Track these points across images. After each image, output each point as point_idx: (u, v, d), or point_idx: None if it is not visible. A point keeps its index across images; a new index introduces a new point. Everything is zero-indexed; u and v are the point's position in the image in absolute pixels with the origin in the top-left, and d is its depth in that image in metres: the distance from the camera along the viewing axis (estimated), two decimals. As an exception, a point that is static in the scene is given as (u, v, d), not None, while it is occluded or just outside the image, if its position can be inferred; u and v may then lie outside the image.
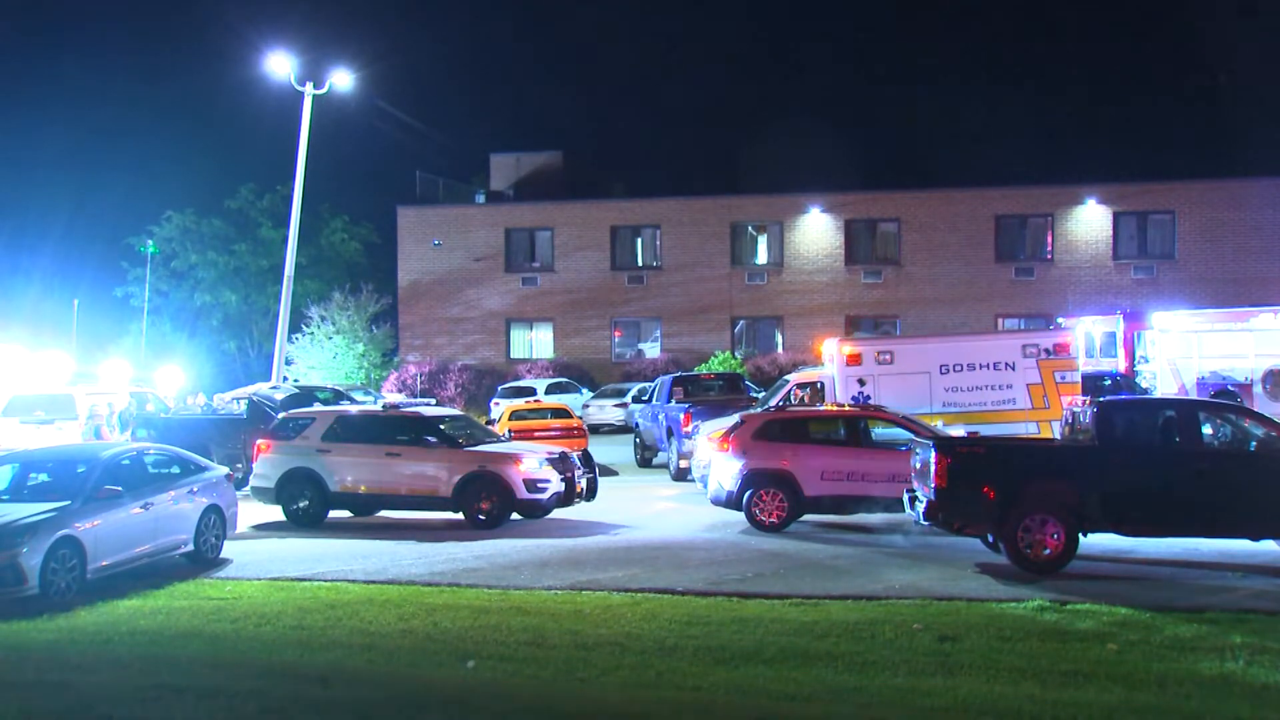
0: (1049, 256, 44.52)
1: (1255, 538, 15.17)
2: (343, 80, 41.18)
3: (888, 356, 22.67)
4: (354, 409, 23.73)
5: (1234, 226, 42.59)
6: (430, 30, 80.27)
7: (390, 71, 69.09)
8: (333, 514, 20.46)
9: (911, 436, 17.70)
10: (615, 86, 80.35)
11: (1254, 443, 15.10)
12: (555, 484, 19.51)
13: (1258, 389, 27.50)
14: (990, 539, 15.34)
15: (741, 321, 46.91)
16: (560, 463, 19.88)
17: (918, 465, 15.76)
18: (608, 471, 25.65)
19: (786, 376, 26.94)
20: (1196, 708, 8.88)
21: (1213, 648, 10.73)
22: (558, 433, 27.11)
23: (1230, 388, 27.59)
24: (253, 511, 20.53)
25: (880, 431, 18.81)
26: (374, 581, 15.01)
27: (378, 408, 23.04)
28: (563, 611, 12.92)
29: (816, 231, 46.08)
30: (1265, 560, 15.13)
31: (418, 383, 44.52)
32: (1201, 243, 42.99)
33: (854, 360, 22.50)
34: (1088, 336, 32.49)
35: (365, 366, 46.99)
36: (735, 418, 20.40)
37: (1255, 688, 9.44)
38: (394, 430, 20.61)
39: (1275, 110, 64.89)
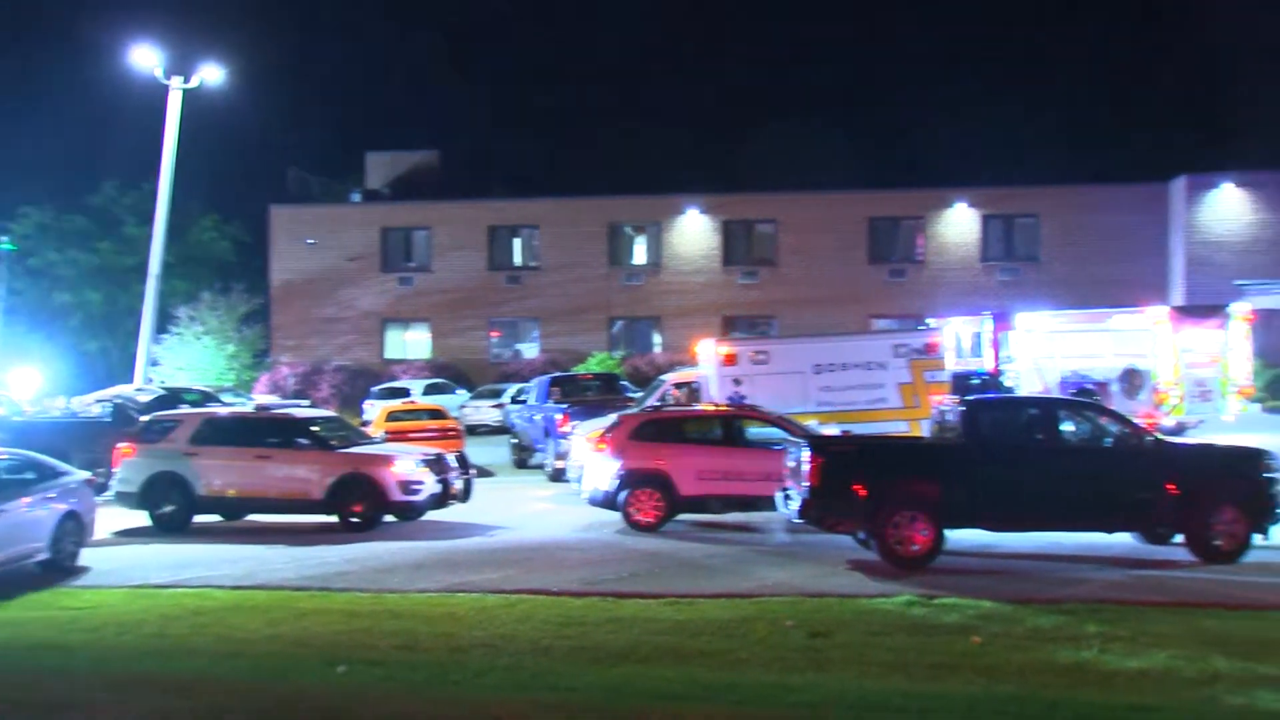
0: (920, 258, 45.53)
1: (1110, 530, 15.74)
2: (213, 75, 40.18)
3: (763, 357, 22.93)
4: (223, 411, 23.22)
5: (1095, 230, 44.05)
6: (304, 26, 78.89)
7: (263, 67, 67.69)
8: (201, 519, 19.95)
9: (786, 436, 17.93)
10: (494, 87, 79.93)
11: (1109, 439, 15.66)
12: (430, 485, 19.32)
13: (1114, 387, 28.39)
14: (861, 536, 15.59)
15: (619, 322, 47.03)
16: (435, 464, 19.69)
17: (791, 464, 15.96)
18: (485, 473, 25.48)
19: (663, 377, 27.08)
20: (1053, 696, 9.16)
21: (1069, 637, 11.09)
22: (434, 434, 26.86)
23: (1089, 386, 28.46)
24: (116, 517, 19.90)
25: (755, 431, 19.00)
26: (241, 587, 14.66)
27: (248, 409, 22.54)
28: (436, 614, 12.80)
29: (694, 232, 46.44)
30: (1119, 552, 15.68)
31: (291, 384, 43.67)
32: (1064, 245, 44.38)
33: (730, 360, 22.71)
34: (956, 336, 33.27)
35: (236, 368, 45.90)
36: (612, 418, 20.43)
37: (1107, 674, 9.79)
38: (265, 432, 20.20)
39: (1135, 117, 67.32)
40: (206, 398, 29.91)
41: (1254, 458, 15.39)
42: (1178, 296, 41.39)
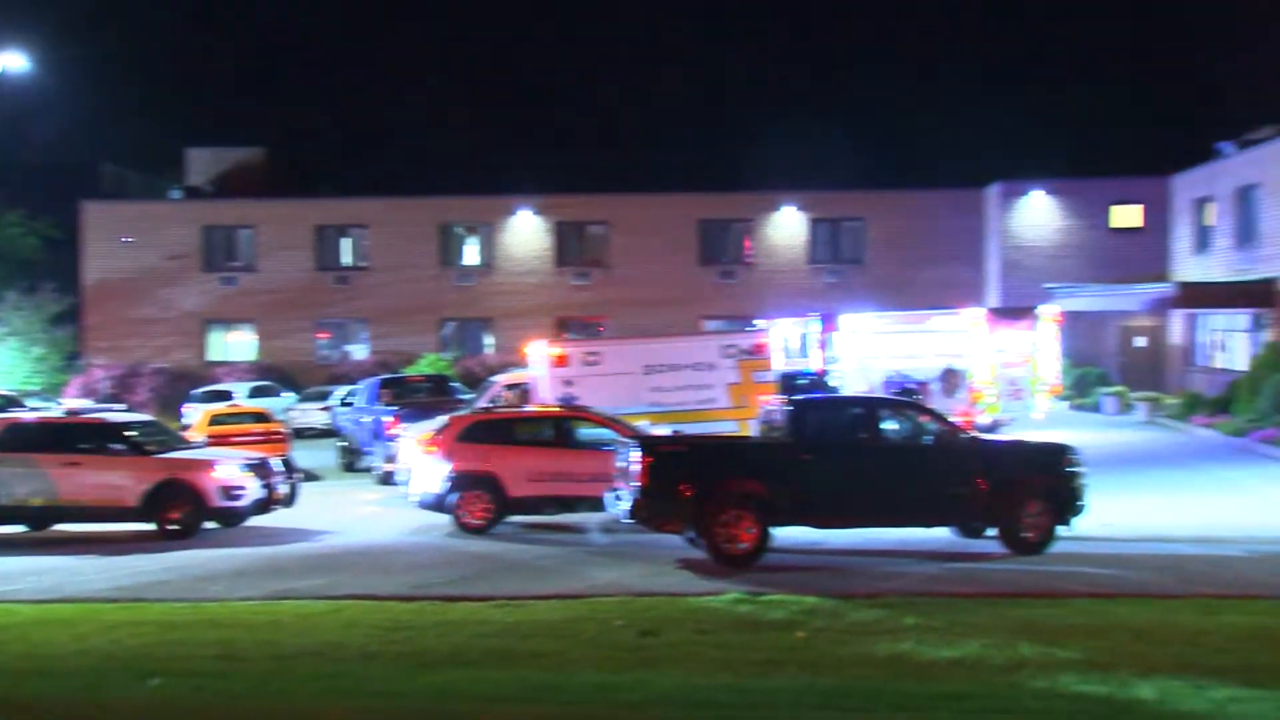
0: (750, 260, 46.35)
1: (928, 526, 16.29)
2: (16, 63, 38.24)
3: (594, 358, 22.99)
4: (29, 416, 22.15)
5: (918, 234, 45.54)
6: (118, 16, 75.73)
7: (76, 57, 64.62)
8: (5, 530, 18.97)
9: (616, 437, 18.01)
10: (323, 85, 78.17)
11: (927, 437, 16.20)
12: (253, 490, 18.79)
13: (934, 386, 29.42)
14: (690, 535, 15.77)
15: (451, 323, 46.57)
16: (259, 468, 19.18)
17: (622, 465, 16.05)
18: (311, 477, 24.91)
19: (494, 378, 26.94)
20: (873, 687, 9.42)
21: (889, 630, 11.42)
22: (258, 437, 26.13)
23: (911, 386, 29.41)
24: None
25: (587, 432, 19.04)
26: (47, 600, 13.99)
27: (58, 414, 21.54)
28: (259, 622, 12.45)
29: (526, 233, 46.31)
30: (937, 546, 16.24)
31: (105, 388, 41.90)
32: (888, 248, 45.76)
33: (561, 362, 22.71)
34: (784, 337, 33.98)
35: (45, 371, 43.81)
36: (442, 420, 20.22)
37: (923, 664, 10.11)
38: (75, 438, 19.33)
39: (955, 123, 69.83)
40: (10, 402, 28.49)
41: (1059, 453, 16.12)
42: (993, 299, 43.11)
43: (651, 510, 15.45)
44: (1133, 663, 9.78)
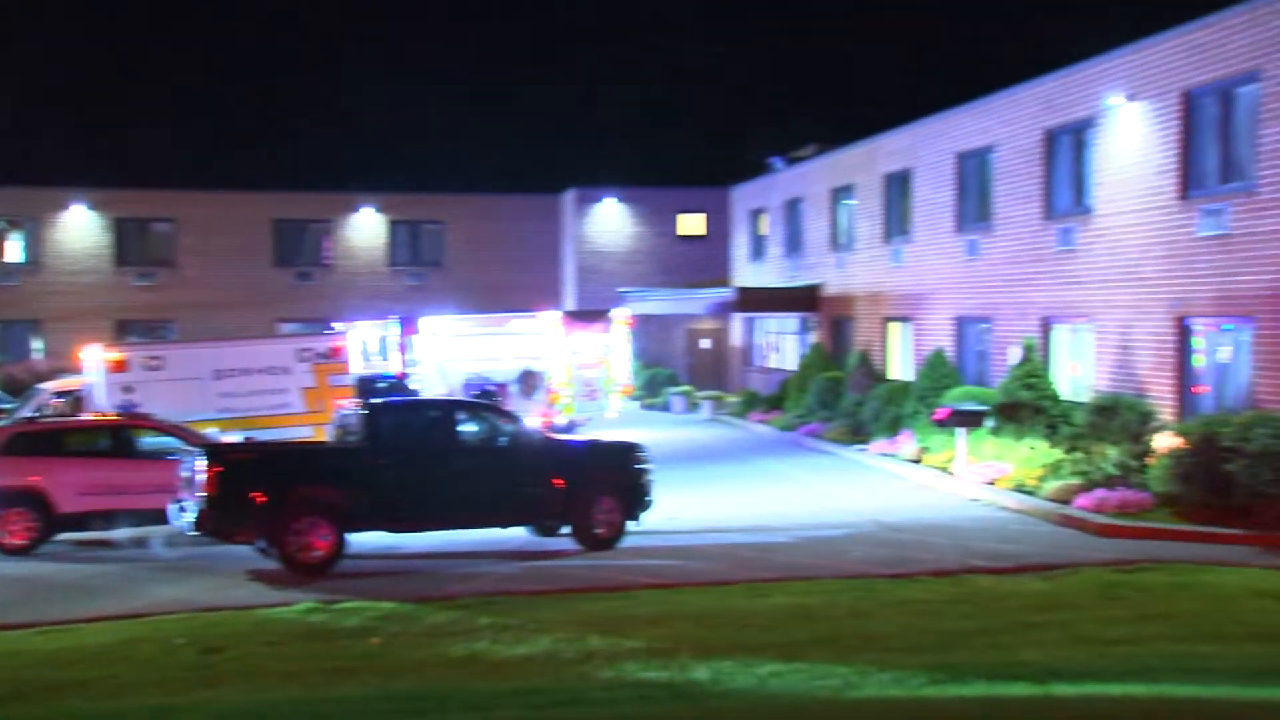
0: (328, 262, 45.30)
1: (505, 526, 16.52)
2: None
3: (158, 363, 21.65)
4: None
5: (496, 238, 46.24)
6: None
7: None
8: None
9: (181, 445, 17.02)
10: None
11: (504, 438, 16.44)
12: None
13: (513, 388, 29.93)
14: (261, 545, 15.17)
15: (-7, 326, 42.43)
16: None
17: (187, 474, 15.20)
18: None
19: (41, 385, 24.76)
20: (447, 688, 9.42)
21: (464, 631, 11.47)
22: None
23: (490, 388, 29.76)
24: None
25: (149, 441, 17.92)
26: None
27: None
28: None
29: (80, 229, 42.95)
30: (514, 546, 16.50)
31: None
32: (467, 252, 46.14)
33: (119, 367, 21.21)
34: (363, 340, 33.44)
35: None
36: (-22, 431, 18.31)
37: (497, 663, 10.23)
38: None
39: (535, 129, 71.44)
40: None
41: (629, 451, 16.83)
42: (570, 302, 44.51)
43: (220, 521, 14.75)
44: (692, 647, 10.35)
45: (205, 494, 14.52)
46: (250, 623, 12.21)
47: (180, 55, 72.35)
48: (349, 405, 16.96)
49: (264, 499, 14.67)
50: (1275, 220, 17.57)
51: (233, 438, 19.03)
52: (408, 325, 31.83)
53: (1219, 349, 19.20)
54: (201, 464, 14.63)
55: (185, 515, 15.05)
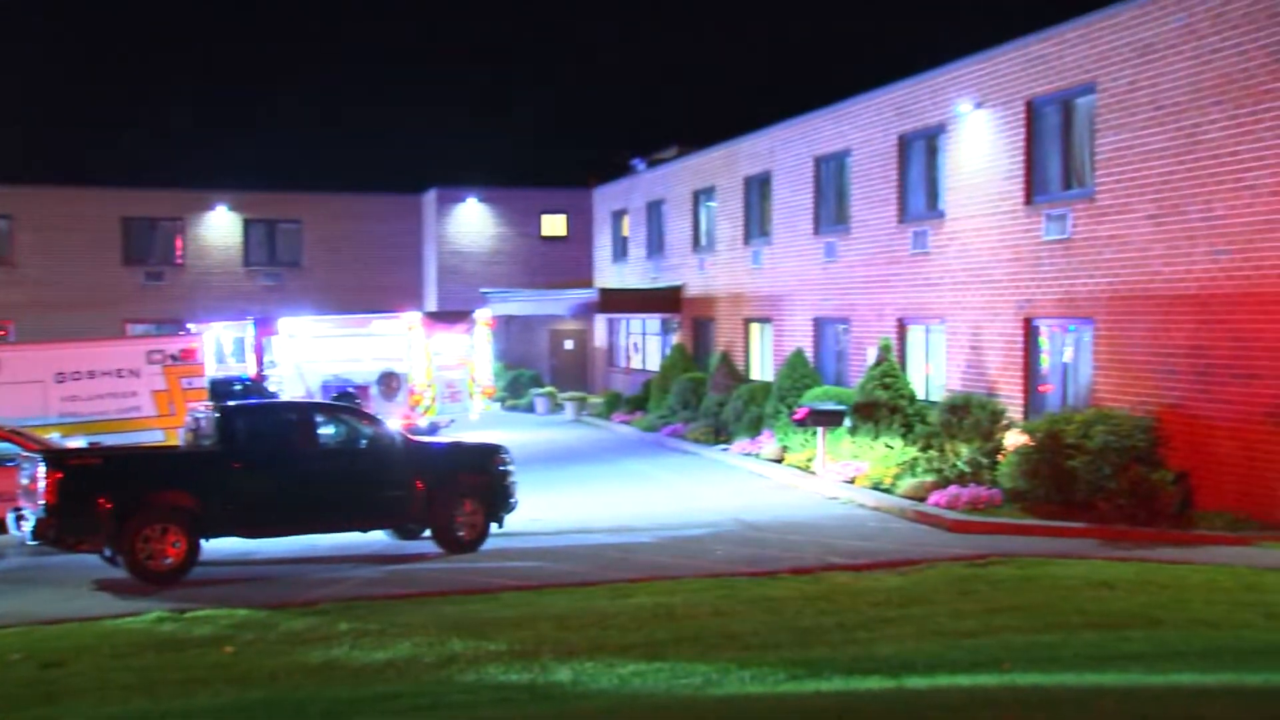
0: (180, 261, 44.01)
1: (366, 529, 16.27)
2: None
3: (-7, 365, 20.74)
4: None
5: (355, 238, 45.49)
6: None
7: None
8: None
9: (19, 451, 16.32)
10: None
11: (364, 441, 16.16)
12: None
13: (374, 390, 29.53)
14: (109, 553, 14.65)
15: None
16: None
17: (25, 481, 14.59)
18: None
19: None
20: (303, 696, 9.21)
21: (322, 637, 11.24)
22: None
23: (350, 390, 29.30)
24: None
25: (-14, 447, 17.10)
26: None
27: None
28: None
29: (-86, 225, 40.94)
30: (375, 550, 16.25)
31: None
32: (326, 252, 45.29)
33: (-51, 370, 20.24)
34: (218, 342, 32.59)
35: None
36: None
37: (356, 669, 10.05)
38: None
39: (396, 128, 70.50)
40: None
41: (491, 453, 16.70)
42: (432, 303, 44.06)
43: (63, 529, 14.21)
44: (553, 649, 10.32)
45: (46, 502, 13.98)
46: (96, 634, 11.77)
47: (21, 44, 69.53)
48: (202, 408, 16.48)
49: (110, 505, 14.17)
50: (1113, 225, 18.32)
51: (76, 443, 18.35)
52: (265, 326, 31.16)
53: (1063, 349, 19.93)
54: (41, 471, 14.07)
55: (24, 524, 14.46)
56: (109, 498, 14.21)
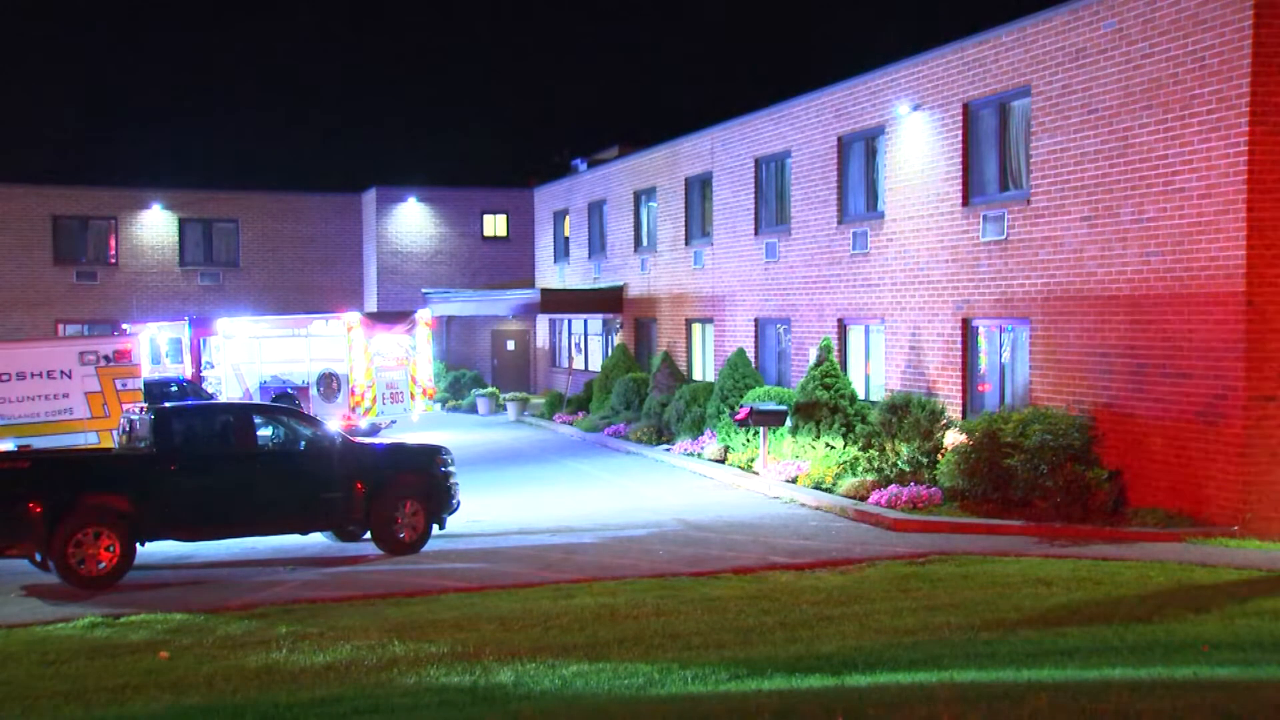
0: (113, 261, 43.30)
1: (305, 531, 16.10)
2: None
3: (-82, 367, 20.32)
4: None
5: (292, 237, 44.99)
6: None
7: None
8: None
9: (-53, 454, 15.98)
10: None
11: (303, 443, 16.00)
12: None
13: (314, 391, 29.26)
14: (39, 557, 14.38)
15: None
16: None
17: (-48, 485, 14.27)
18: None
19: None
20: (241, 701, 9.08)
21: (260, 641, 11.10)
22: None
23: (289, 391, 29.01)
24: None
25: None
26: None
27: None
28: None
29: None
30: (314, 552, 16.10)
31: None
32: (264, 251, 44.76)
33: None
34: (154, 343, 32.12)
35: None
36: None
37: (295, 672, 9.93)
38: None
39: (334, 129, 69.91)
40: None
41: (432, 454, 16.60)
42: (372, 303, 43.70)
43: (-8, 533, 13.91)
44: (496, 650, 10.27)
45: (-27, 505, 13.70)
46: (24, 641, 11.54)
47: (-51, 40, 68.17)
48: (137, 409, 16.23)
49: (40, 509, 13.92)
50: (1047, 227, 18.57)
51: (4, 446, 18.00)
52: (201, 327, 30.78)
53: (1001, 349, 20.17)
54: (-31, 474, 13.79)
55: (-48, 529, 14.14)
56: (39, 501, 13.96)
